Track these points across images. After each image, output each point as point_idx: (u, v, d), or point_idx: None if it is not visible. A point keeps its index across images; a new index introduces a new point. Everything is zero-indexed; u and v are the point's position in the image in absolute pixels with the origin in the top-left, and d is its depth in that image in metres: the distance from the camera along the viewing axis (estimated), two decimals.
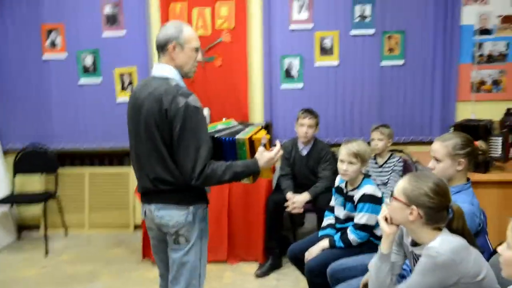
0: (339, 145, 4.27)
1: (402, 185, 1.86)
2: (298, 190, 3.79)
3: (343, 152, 2.83)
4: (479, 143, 2.33)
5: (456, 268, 1.71)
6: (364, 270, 2.48)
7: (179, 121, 2.02)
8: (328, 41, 4.37)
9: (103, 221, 4.80)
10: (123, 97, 4.60)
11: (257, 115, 4.52)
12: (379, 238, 2.76)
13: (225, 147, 2.21)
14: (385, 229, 1.92)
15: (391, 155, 3.76)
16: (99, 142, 4.71)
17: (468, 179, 2.29)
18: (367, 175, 2.90)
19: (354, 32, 4.34)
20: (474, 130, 3.44)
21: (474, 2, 4.28)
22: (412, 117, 4.41)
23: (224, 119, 2.67)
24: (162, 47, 2.18)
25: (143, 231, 3.96)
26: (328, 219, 3.02)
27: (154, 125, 2.07)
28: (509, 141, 3.48)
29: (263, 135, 2.22)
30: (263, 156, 2.15)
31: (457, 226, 1.83)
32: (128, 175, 4.75)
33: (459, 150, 2.23)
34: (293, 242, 4.07)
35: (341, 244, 2.77)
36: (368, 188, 2.78)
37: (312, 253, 2.81)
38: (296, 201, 3.64)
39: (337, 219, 2.96)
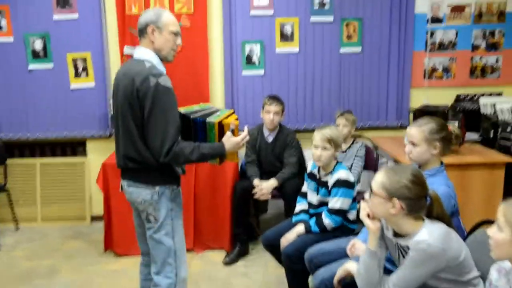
0: (300, 131, 4.39)
1: (380, 180, 1.88)
2: (263, 176, 3.81)
3: (317, 138, 2.87)
4: (452, 128, 2.43)
5: (445, 255, 1.79)
6: (341, 253, 2.56)
7: (149, 100, 2.11)
8: (289, 28, 4.39)
9: (57, 214, 4.60)
10: (78, 84, 4.39)
11: (219, 101, 4.48)
12: (352, 222, 2.86)
13: (196, 128, 2.33)
14: (370, 226, 1.94)
15: (354, 140, 3.86)
16: (51, 131, 4.48)
17: (441, 163, 2.40)
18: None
19: (313, 19, 4.38)
20: (432, 115, 3.58)
21: None
22: (369, 103, 4.54)
23: (201, 103, 2.69)
24: (142, 31, 2.29)
25: (105, 222, 3.84)
26: (301, 205, 3.06)
27: (127, 105, 2.19)
28: (464, 125, 3.67)
29: (232, 121, 2.32)
30: (229, 140, 2.26)
31: (436, 212, 1.90)
32: (83, 164, 4.58)
33: (434, 134, 2.32)
34: (257, 229, 4.17)
35: (317, 229, 2.82)
36: (342, 173, 2.85)
37: (288, 239, 2.84)
38: (264, 187, 3.66)
39: (310, 204, 3.01)
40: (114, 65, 4.41)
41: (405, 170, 1.88)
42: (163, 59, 2.30)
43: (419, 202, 1.85)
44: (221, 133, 2.30)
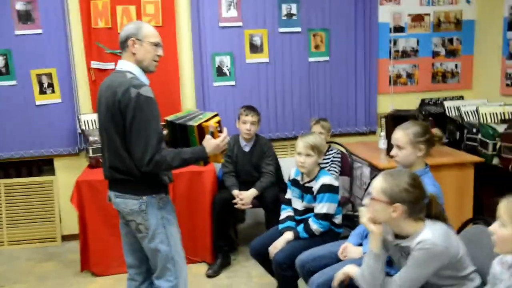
0: (272, 140, 4.43)
1: (379, 185, 1.93)
2: (241, 187, 3.81)
3: (301, 145, 2.91)
4: (434, 131, 2.53)
5: (448, 253, 1.85)
6: (333, 257, 2.60)
7: (130, 111, 2.15)
8: (258, 39, 4.44)
9: (25, 236, 4.41)
10: (43, 100, 4.25)
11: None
12: (338, 225, 2.91)
13: (179, 133, 2.37)
14: (373, 229, 1.97)
15: (329, 147, 3.93)
16: (16, 150, 4.30)
17: (426, 164, 2.49)
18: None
19: (282, 29, 4.46)
20: (403, 119, 3.70)
21: (389, 1, 4.62)
22: (339, 110, 4.65)
23: (187, 109, 2.74)
24: (123, 44, 2.34)
25: (80, 242, 3.72)
26: (286, 212, 3.09)
27: (109, 117, 2.23)
28: (433, 128, 3.81)
29: (210, 123, 2.33)
30: (209, 143, 2.28)
31: (435, 212, 1.97)
32: (52, 183, 4.42)
33: (419, 137, 2.41)
34: (236, 239, 4.16)
35: (305, 235, 2.85)
36: (326, 179, 2.90)
37: (276, 246, 2.86)
38: (245, 197, 3.66)
39: (296, 211, 3.04)
40: (81, 80, 4.31)
41: (403, 174, 1.94)
42: (145, 70, 2.35)
43: (419, 204, 1.90)
44: (202, 136, 2.33)
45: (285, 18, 4.45)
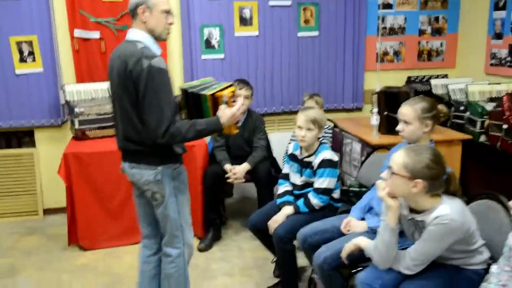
0: (261, 115, 4.39)
1: (401, 160, 1.93)
2: (232, 161, 3.77)
3: (301, 119, 2.89)
4: (440, 107, 2.55)
5: (463, 229, 1.89)
6: (335, 231, 2.62)
7: (143, 82, 2.12)
8: (248, 11, 4.36)
9: (5, 209, 4.26)
10: (24, 69, 4.06)
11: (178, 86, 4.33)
12: (336, 200, 2.93)
13: (192, 102, 2.34)
14: (391, 203, 1.97)
15: None
16: None
17: (431, 140, 2.51)
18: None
19: (272, 2, 4.38)
20: (395, 96, 3.76)
21: None
22: (327, 86, 4.64)
23: (202, 78, 2.71)
24: (132, 12, 2.26)
25: (68, 215, 3.62)
26: (284, 187, 3.08)
27: (121, 86, 2.21)
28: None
29: (225, 92, 2.26)
30: (225, 113, 2.22)
31: (453, 189, 1.99)
32: (32, 156, 4.26)
33: (426, 113, 2.42)
34: (224, 213, 4.14)
35: (306, 209, 2.85)
36: (326, 153, 2.90)
37: (277, 220, 2.85)
38: (237, 171, 3.63)
39: (294, 185, 3.04)
40: (64, 49, 4.14)
41: (425, 150, 1.94)
42: (157, 39, 2.29)
43: (439, 180, 1.92)
44: (215, 106, 2.28)
45: None
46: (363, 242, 2.18)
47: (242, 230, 3.97)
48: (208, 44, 4.33)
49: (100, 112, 3.85)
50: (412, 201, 1.98)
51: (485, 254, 2.03)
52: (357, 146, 3.94)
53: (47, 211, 4.35)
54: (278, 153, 4.12)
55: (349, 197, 3.15)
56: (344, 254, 2.26)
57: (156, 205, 2.37)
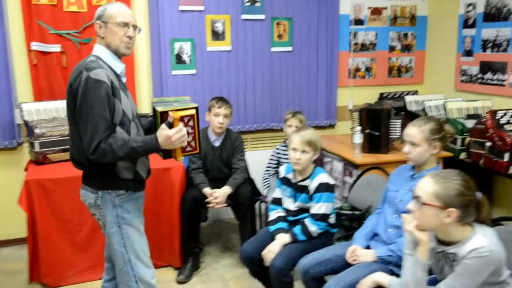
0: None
1: (431, 189, 1.77)
2: (210, 184, 3.54)
3: (296, 141, 2.73)
4: (447, 127, 2.45)
5: (501, 258, 1.76)
6: (339, 261, 2.47)
7: (79, 95, 2.02)
8: (220, 25, 4.16)
9: None
10: None
11: (145, 103, 4.05)
12: (333, 226, 2.77)
13: (153, 117, 2.24)
14: (422, 238, 1.81)
15: None
16: None
17: (438, 162, 2.41)
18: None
19: (245, 16, 4.21)
20: (377, 113, 3.68)
21: None
22: (300, 102, 4.51)
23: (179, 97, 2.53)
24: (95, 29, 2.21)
25: (29, 249, 3.23)
26: (275, 213, 2.88)
27: (67, 103, 2.13)
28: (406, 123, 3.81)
29: (170, 112, 2.10)
30: (161, 133, 2.05)
31: (484, 216, 1.84)
32: None
33: (435, 134, 2.32)
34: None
35: (303, 237, 2.68)
36: (323, 177, 2.74)
37: (272, 251, 2.65)
38: (219, 195, 3.40)
39: (287, 211, 2.85)
40: (20, 64, 3.75)
41: (454, 175, 1.80)
42: (116, 54, 2.19)
43: (471, 207, 1.79)
44: None
45: (248, 4, 4.20)
46: (384, 278, 2.02)
47: (220, 257, 3.73)
48: (179, 59, 4.09)
49: (63, 134, 3.49)
50: (442, 232, 1.83)
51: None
52: (338, 165, 3.82)
53: (4, 242, 3.91)
54: (254, 174, 3.92)
55: (340, 220, 3.00)
56: None
57: (104, 233, 2.26)
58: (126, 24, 2.15)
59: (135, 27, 2.20)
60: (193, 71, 4.14)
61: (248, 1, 4.20)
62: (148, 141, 2.04)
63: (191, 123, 2.14)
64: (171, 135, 2.02)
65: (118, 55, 2.19)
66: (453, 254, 1.81)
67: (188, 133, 2.11)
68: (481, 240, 1.74)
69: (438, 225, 1.79)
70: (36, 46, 3.71)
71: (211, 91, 4.16)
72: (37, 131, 3.46)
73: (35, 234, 3.22)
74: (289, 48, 4.40)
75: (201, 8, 4.07)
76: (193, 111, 2.14)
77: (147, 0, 3.95)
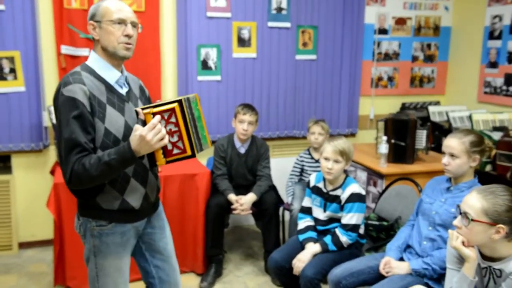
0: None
1: (479, 205, 1.76)
2: (235, 191, 3.54)
3: (329, 150, 2.73)
4: (486, 141, 2.45)
5: None
6: (371, 273, 2.47)
7: (56, 114, 1.81)
8: (246, 32, 4.17)
9: None
10: (3, 87, 3.65)
11: None
12: (362, 236, 2.76)
13: None
14: (470, 254, 1.81)
15: None
16: None
17: (475, 175, 2.40)
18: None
19: (271, 24, 4.23)
20: (403, 124, 3.68)
21: (375, 2, 4.55)
22: (322, 110, 4.51)
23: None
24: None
25: (55, 252, 3.25)
26: (305, 222, 2.88)
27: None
28: (431, 134, 3.80)
29: (141, 109, 1.75)
30: (133, 135, 1.71)
31: None
32: (8, 183, 3.84)
33: (475, 147, 2.31)
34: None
35: (334, 248, 2.67)
36: (355, 187, 2.74)
37: (302, 260, 2.65)
38: (244, 202, 3.40)
39: (317, 220, 2.85)
40: (49, 67, 3.79)
41: (502, 191, 1.79)
42: (113, 57, 1.87)
43: None
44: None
45: (274, 12, 4.22)
46: None
47: (242, 265, 3.73)
48: (204, 65, 4.11)
49: None
50: (488, 248, 1.82)
51: None
52: (362, 175, 3.81)
53: (22, 245, 3.93)
54: (276, 181, 3.91)
55: (368, 231, 2.99)
56: None
57: None
58: (123, 21, 1.84)
59: (134, 24, 1.89)
60: (218, 77, 4.15)
61: (274, 9, 4.21)
62: (121, 150, 1.72)
63: (172, 119, 1.74)
64: (144, 134, 1.67)
65: (117, 59, 1.88)
66: (499, 270, 1.80)
67: (172, 132, 1.75)
68: None
69: (486, 241, 1.78)
70: (66, 49, 3.74)
71: (235, 97, 4.17)
72: None
73: (62, 237, 3.23)
74: (314, 56, 4.41)
75: (228, 15, 4.09)
76: (173, 105, 1.73)
77: (175, 6, 3.97)
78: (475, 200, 1.78)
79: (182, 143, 1.77)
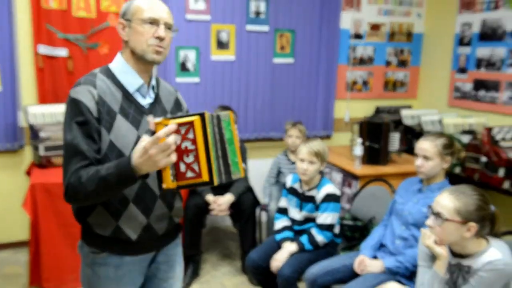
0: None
1: (452, 205, 1.85)
2: (213, 191, 3.59)
3: (304, 151, 2.80)
4: (455, 143, 2.55)
5: None
6: (346, 271, 2.54)
7: None
8: (225, 35, 4.22)
9: None
10: None
11: None
12: (337, 236, 2.84)
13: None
14: (441, 253, 1.90)
15: None
16: None
17: (445, 176, 2.51)
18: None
19: (249, 27, 4.29)
20: (377, 127, 3.78)
21: (350, 8, 4.66)
22: (299, 113, 4.59)
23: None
24: None
25: (30, 252, 3.23)
26: (281, 222, 2.95)
27: None
28: (404, 137, 3.92)
29: (150, 118, 1.45)
30: (137, 147, 1.42)
31: (497, 229, 1.94)
32: None
33: (447, 149, 2.42)
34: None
35: (310, 247, 2.74)
36: (330, 188, 2.82)
37: (279, 259, 2.71)
38: (222, 203, 3.45)
39: (293, 220, 2.92)
40: (26, 66, 3.75)
41: (471, 190, 1.88)
42: (141, 60, 1.64)
43: (487, 221, 1.88)
44: None
45: (253, 15, 4.28)
46: None
47: (219, 265, 3.77)
48: (183, 67, 4.14)
49: None
50: (459, 245, 1.91)
51: None
52: (337, 176, 3.90)
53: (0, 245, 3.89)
54: (253, 182, 3.97)
55: (343, 231, 3.08)
56: None
57: None
58: (155, 21, 1.61)
59: (168, 26, 1.66)
60: (197, 79, 4.19)
61: (253, 13, 4.27)
62: (120, 164, 1.45)
63: (190, 135, 1.41)
64: (148, 147, 1.36)
65: (144, 64, 1.66)
66: (468, 266, 1.89)
67: (187, 150, 1.42)
68: (496, 253, 1.83)
69: (457, 239, 1.87)
70: (43, 49, 3.72)
71: (214, 99, 4.22)
72: (42, 134, 3.47)
73: (38, 238, 3.22)
74: (291, 60, 4.49)
75: (207, 17, 4.13)
76: (192, 118, 1.41)
77: None
78: (448, 201, 1.87)
79: (198, 166, 1.42)
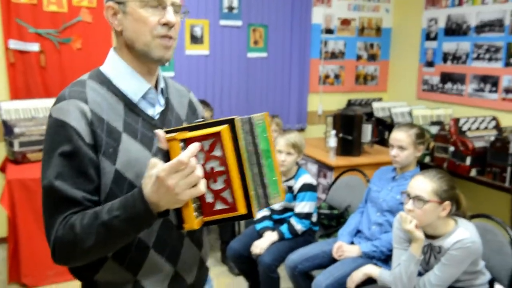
0: None
1: (429, 187, 1.97)
2: None
3: (282, 143, 2.87)
4: (425, 133, 2.67)
5: (480, 248, 1.98)
6: (325, 257, 2.63)
7: None
8: (199, 30, 4.26)
9: None
10: None
11: None
12: (315, 224, 2.93)
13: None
14: (418, 235, 1.99)
15: None
16: None
17: (417, 164, 2.62)
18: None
19: (223, 22, 4.33)
20: (350, 119, 3.89)
21: (321, 3, 4.76)
22: (273, 106, 4.68)
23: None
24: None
25: (9, 248, 3.21)
26: (261, 212, 3.01)
27: None
28: (375, 129, 4.05)
29: (160, 133, 1.01)
30: (147, 177, 1.01)
31: (464, 210, 2.08)
32: None
33: (419, 139, 2.54)
34: None
35: (290, 235, 2.82)
36: (306, 177, 2.90)
37: (260, 247, 2.78)
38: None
39: (272, 210, 2.99)
40: None
41: (440, 172, 2.01)
42: (146, 60, 1.21)
43: (455, 200, 2.00)
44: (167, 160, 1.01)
45: (226, 10, 4.32)
46: (374, 270, 2.20)
47: None
48: None
49: (43, 133, 3.47)
50: (432, 227, 2.03)
51: (487, 275, 2.14)
52: (313, 167, 4.00)
53: None
54: None
55: (320, 219, 3.17)
56: (352, 285, 2.25)
57: None
58: (160, 2, 1.16)
59: (177, 9, 1.19)
60: (172, 74, 4.21)
61: (226, 8, 4.32)
62: (128, 202, 1.03)
63: (217, 152, 1.02)
64: (163, 176, 0.95)
65: (148, 63, 1.23)
66: (439, 247, 2.01)
67: (214, 173, 1.02)
68: (464, 233, 1.95)
69: (435, 219, 1.99)
70: (14, 44, 3.67)
71: None
72: (16, 130, 3.43)
73: (16, 234, 3.20)
74: (265, 54, 4.56)
75: None
76: (219, 128, 1.00)
77: None
78: (425, 184, 1.99)
79: (231, 194, 1.03)
